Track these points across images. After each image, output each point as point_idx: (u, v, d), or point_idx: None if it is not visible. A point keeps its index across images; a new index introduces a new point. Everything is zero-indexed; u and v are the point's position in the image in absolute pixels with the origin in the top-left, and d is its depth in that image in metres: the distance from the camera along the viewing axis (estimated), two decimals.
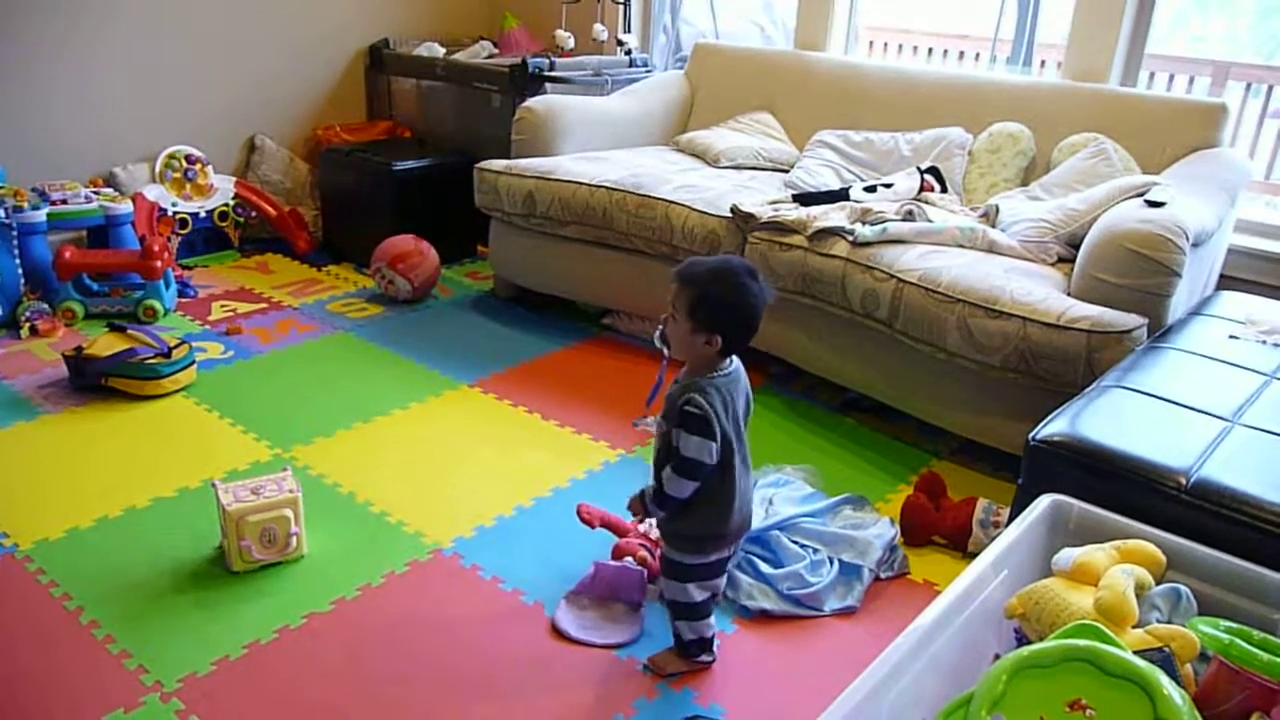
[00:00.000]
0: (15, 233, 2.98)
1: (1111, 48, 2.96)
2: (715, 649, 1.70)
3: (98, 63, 3.43)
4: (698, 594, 1.62)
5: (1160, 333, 2.07)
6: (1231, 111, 2.72)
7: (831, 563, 1.93)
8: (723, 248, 2.71)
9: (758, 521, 2.00)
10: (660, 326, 1.59)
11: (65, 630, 1.72)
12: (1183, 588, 1.27)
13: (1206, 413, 1.67)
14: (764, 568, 1.90)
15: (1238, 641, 1.16)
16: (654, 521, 1.77)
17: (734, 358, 1.58)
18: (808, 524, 2.01)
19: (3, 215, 2.94)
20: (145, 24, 3.51)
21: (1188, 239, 2.09)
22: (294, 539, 1.91)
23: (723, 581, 1.69)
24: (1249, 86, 3.66)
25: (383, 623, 1.78)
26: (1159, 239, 2.07)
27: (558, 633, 1.76)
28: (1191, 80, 3.77)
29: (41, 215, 3.11)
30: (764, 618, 1.84)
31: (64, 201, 3.22)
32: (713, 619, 1.68)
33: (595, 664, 1.70)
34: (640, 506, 1.59)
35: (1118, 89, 2.93)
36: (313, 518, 2.01)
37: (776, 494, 2.12)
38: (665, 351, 1.60)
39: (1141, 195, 2.30)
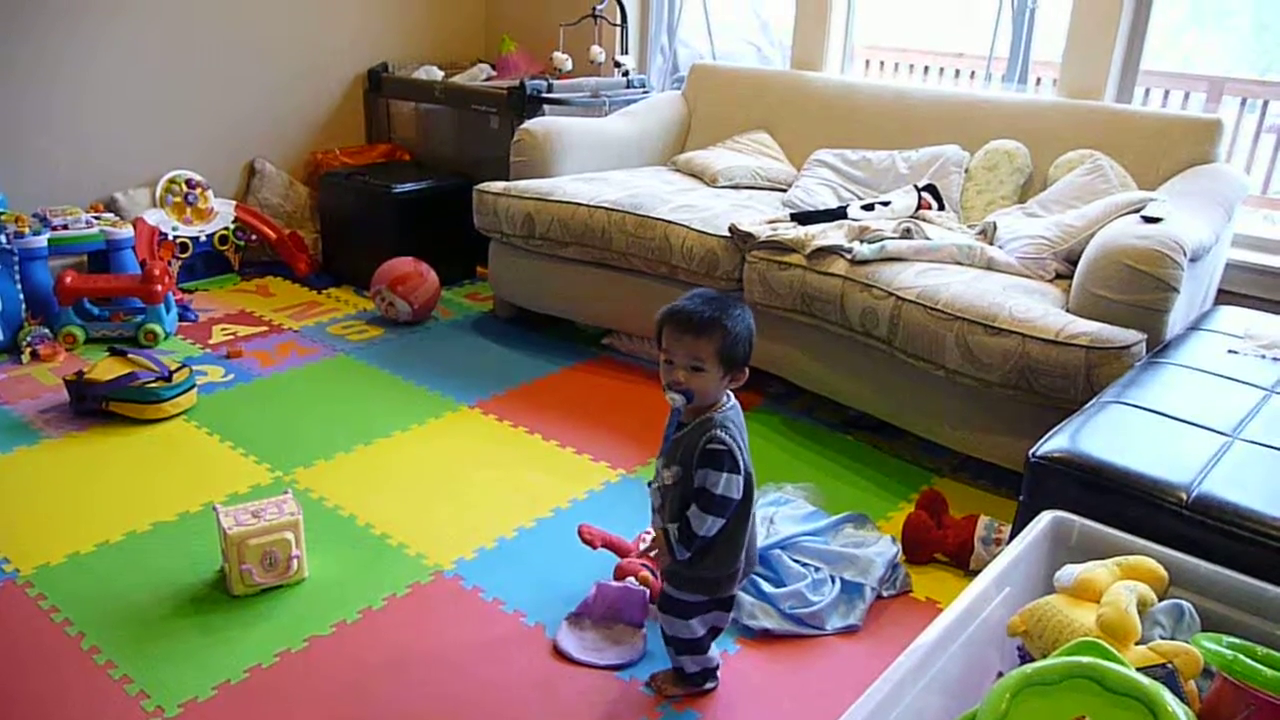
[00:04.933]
0: (16, 258, 2.99)
1: (1106, 64, 2.98)
2: (719, 674, 1.69)
3: (99, 89, 3.46)
4: (700, 629, 1.61)
5: (1159, 348, 2.08)
6: (1227, 126, 2.73)
7: (833, 581, 1.93)
8: (721, 267, 2.71)
9: (759, 540, 2.00)
10: (677, 387, 1.50)
11: (67, 655, 1.71)
12: (1185, 604, 1.27)
13: (1207, 428, 1.67)
14: (766, 587, 1.89)
15: (1241, 657, 1.15)
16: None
17: (729, 391, 1.56)
18: (809, 542, 2.00)
19: (4, 241, 2.95)
20: (145, 51, 3.54)
21: (1185, 254, 2.09)
22: (295, 562, 1.91)
23: (729, 616, 1.66)
24: (1244, 101, 3.68)
25: (384, 646, 1.77)
26: (1156, 255, 2.08)
27: (559, 654, 1.75)
28: (1187, 96, 3.79)
29: (43, 240, 3.12)
30: (766, 637, 1.83)
31: (65, 227, 3.24)
32: (714, 650, 1.67)
33: (598, 686, 1.69)
34: (667, 552, 1.53)
35: (1113, 105, 2.95)
36: (314, 541, 2.00)
37: (778, 513, 2.12)
38: (681, 402, 1.50)
39: (1138, 211, 2.31)
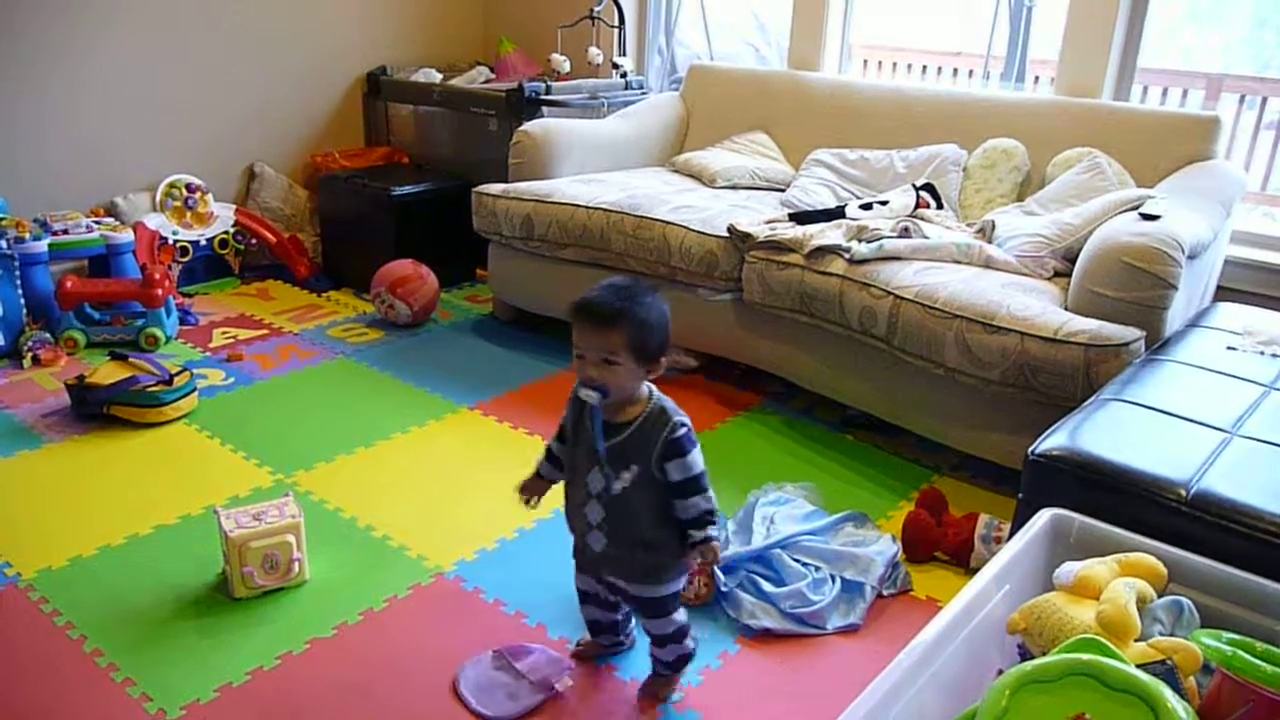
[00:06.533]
0: (17, 263, 2.99)
1: (1104, 62, 2.98)
2: (694, 639, 1.65)
3: (98, 94, 3.46)
4: (681, 616, 1.61)
5: (1158, 345, 2.08)
6: (1225, 124, 2.74)
7: (833, 580, 1.93)
8: (720, 268, 2.72)
9: (759, 540, 2.00)
10: (591, 383, 1.44)
11: (68, 659, 1.72)
12: (1185, 600, 1.27)
13: (1206, 424, 1.67)
14: (766, 586, 1.90)
15: (1240, 653, 1.15)
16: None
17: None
18: (809, 542, 2.00)
19: (5, 246, 2.96)
20: (145, 55, 3.54)
21: (1183, 251, 2.10)
22: (296, 564, 1.91)
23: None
24: (1243, 98, 3.69)
25: (386, 647, 1.77)
26: (1154, 252, 2.08)
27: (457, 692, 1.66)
28: (1185, 93, 3.79)
29: (43, 245, 3.13)
30: (766, 636, 1.83)
31: (65, 231, 3.25)
32: (687, 638, 1.64)
33: (598, 686, 1.69)
34: (712, 548, 1.48)
35: (1111, 103, 2.95)
36: (315, 543, 2.01)
37: (777, 512, 2.12)
38: (596, 399, 1.44)
39: (1136, 209, 2.32)
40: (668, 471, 1.48)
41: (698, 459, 1.49)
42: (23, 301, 3.03)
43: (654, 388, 1.53)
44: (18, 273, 3.00)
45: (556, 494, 2.29)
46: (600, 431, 1.48)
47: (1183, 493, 1.46)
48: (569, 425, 1.58)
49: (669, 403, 1.51)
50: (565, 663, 1.71)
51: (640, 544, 1.53)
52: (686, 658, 1.65)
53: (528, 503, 1.66)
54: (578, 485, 1.56)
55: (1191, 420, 1.69)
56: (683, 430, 1.48)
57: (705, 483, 1.50)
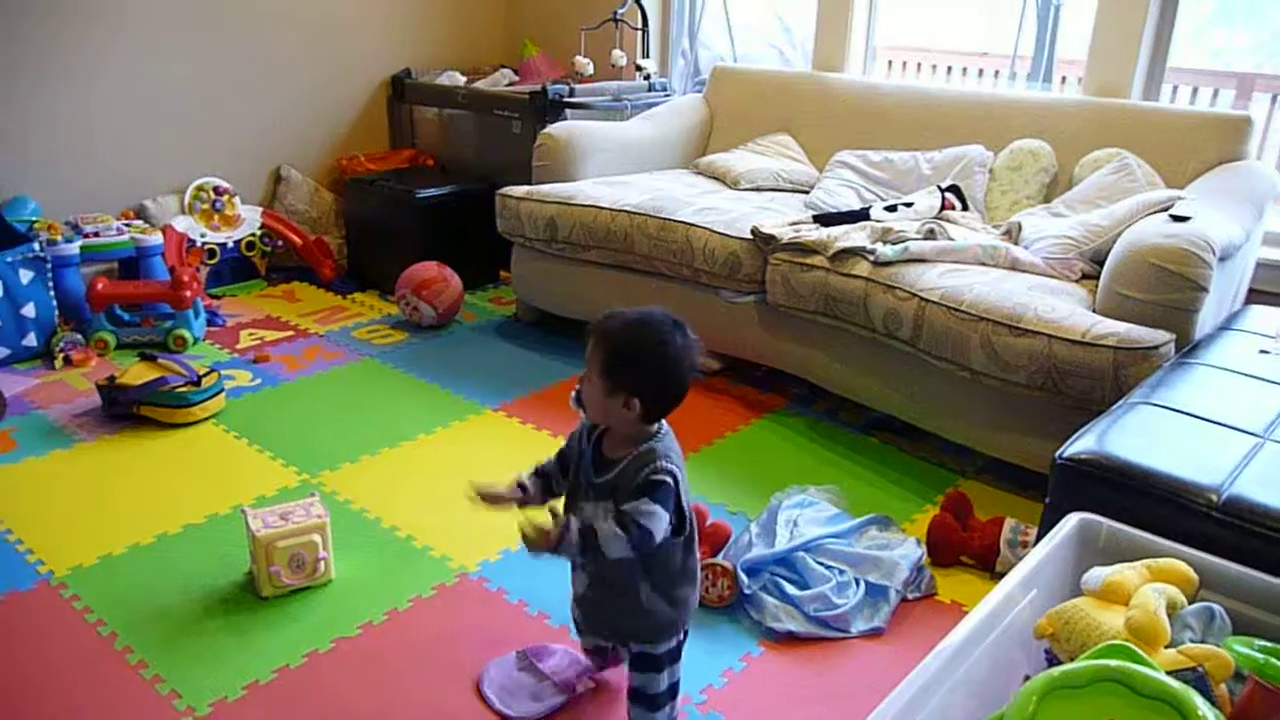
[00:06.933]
0: (49, 265, 3.04)
1: (1133, 62, 2.95)
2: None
3: (128, 99, 3.51)
4: (666, 680, 1.51)
5: (1188, 348, 2.05)
6: (1257, 124, 2.70)
7: (858, 584, 1.92)
8: (744, 270, 2.71)
9: (782, 543, 2.00)
10: (577, 388, 1.42)
11: (99, 656, 1.74)
12: (1216, 606, 1.25)
13: (1237, 429, 1.65)
14: (790, 589, 1.89)
15: (1273, 660, 1.13)
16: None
17: (664, 422, 1.43)
18: (833, 545, 2.00)
19: (37, 248, 3.00)
20: (175, 61, 3.59)
21: (1214, 253, 2.07)
22: (322, 564, 1.92)
23: (680, 664, 1.55)
24: (1275, 98, 3.63)
25: (410, 647, 1.78)
26: (1185, 254, 2.05)
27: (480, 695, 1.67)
28: (1215, 93, 3.74)
29: (74, 248, 3.18)
30: (790, 639, 1.83)
31: (96, 234, 3.29)
32: (677, 699, 1.56)
33: (619, 686, 1.69)
34: (544, 533, 1.33)
35: (1140, 103, 2.92)
36: (340, 543, 2.02)
37: (801, 515, 2.11)
38: (583, 415, 1.43)
39: (1166, 210, 2.29)
40: (628, 507, 1.34)
41: (659, 513, 1.33)
42: (55, 303, 3.08)
43: (664, 440, 1.42)
44: (50, 275, 3.05)
45: None
46: (590, 462, 1.44)
47: (1214, 498, 1.44)
48: (574, 448, 1.51)
49: (666, 450, 1.40)
50: (587, 664, 1.71)
51: (610, 589, 1.46)
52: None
53: (485, 501, 1.53)
54: (574, 512, 1.45)
55: (1223, 424, 1.66)
56: (663, 476, 1.35)
57: (638, 539, 1.32)
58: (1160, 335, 2.03)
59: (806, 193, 3.22)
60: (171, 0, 3.52)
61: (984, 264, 2.46)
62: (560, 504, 1.50)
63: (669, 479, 1.36)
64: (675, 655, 1.52)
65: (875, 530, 2.10)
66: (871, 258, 2.47)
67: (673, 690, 1.54)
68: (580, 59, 3.91)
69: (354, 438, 2.56)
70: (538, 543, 1.34)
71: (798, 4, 4.15)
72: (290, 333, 3.32)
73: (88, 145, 3.46)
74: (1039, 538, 1.46)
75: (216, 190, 3.69)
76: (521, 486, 1.54)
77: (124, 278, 3.37)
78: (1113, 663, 1.02)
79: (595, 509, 1.40)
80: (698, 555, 1.51)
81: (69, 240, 3.17)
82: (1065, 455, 1.59)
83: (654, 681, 1.51)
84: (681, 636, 1.53)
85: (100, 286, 3.10)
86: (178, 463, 2.44)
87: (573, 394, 1.45)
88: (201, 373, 2.65)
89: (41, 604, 1.88)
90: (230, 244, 3.70)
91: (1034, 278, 2.38)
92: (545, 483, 1.54)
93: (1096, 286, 2.26)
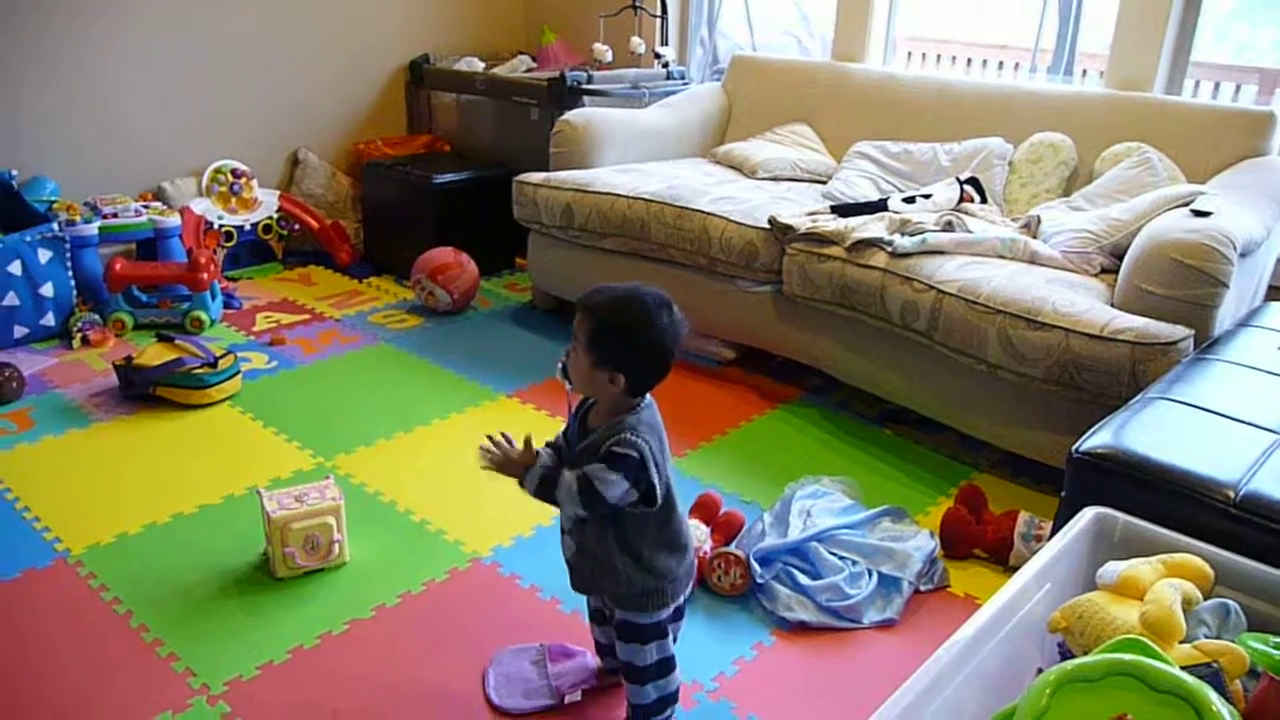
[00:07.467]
0: (68, 245, 3.06)
1: (1155, 56, 2.92)
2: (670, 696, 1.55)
3: (148, 81, 3.52)
4: (655, 653, 1.50)
5: (1207, 344, 2.04)
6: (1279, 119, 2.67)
7: (870, 575, 1.92)
8: (760, 259, 2.71)
9: (795, 533, 2.00)
10: (563, 359, 1.44)
11: (116, 633, 1.76)
12: (1231, 603, 1.25)
13: (1256, 425, 1.64)
14: (802, 579, 1.89)
15: None
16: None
17: (648, 396, 1.44)
18: (846, 536, 2.00)
19: (56, 229, 3.02)
20: (193, 44, 3.60)
21: (1235, 249, 2.05)
22: (336, 546, 1.94)
23: (680, 626, 1.57)
24: None
25: (423, 630, 1.80)
26: (1205, 249, 2.04)
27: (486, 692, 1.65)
28: (1238, 88, 3.70)
29: (93, 229, 3.20)
30: (802, 629, 1.83)
31: (114, 215, 3.31)
32: (676, 671, 1.54)
33: (622, 695, 1.69)
34: (514, 467, 1.43)
35: (1162, 97, 2.90)
36: (355, 525, 2.03)
37: (815, 505, 2.11)
38: (567, 386, 1.44)
39: (1187, 205, 2.27)
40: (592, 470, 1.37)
41: (615, 481, 1.35)
42: (73, 283, 3.10)
43: (647, 413, 1.43)
44: (68, 255, 3.07)
45: None
46: (575, 429, 1.47)
47: (1231, 494, 1.43)
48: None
49: (640, 423, 1.40)
50: (593, 674, 1.68)
51: (591, 556, 1.47)
52: (659, 704, 1.53)
53: (485, 456, 1.52)
54: None
55: (1241, 421, 1.65)
56: (626, 449, 1.36)
57: (586, 498, 1.36)
58: (1179, 331, 2.02)
59: (824, 183, 3.20)
60: None
61: (1002, 257, 2.44)
62: (540, 443, 1.52)
63: (633, 452, 1.36)
64: (662, 630, 1.50)
65: (889, 522, 2.10)
66: (889, 249, 2.46)
67: (661, 667, 1.51)
68: (599, 46, 3.90)
69: (369, 421, 2.58)
70: (497, 459, 1.43)
71: None
72: (306, 316, 3.34)
73: (106, 127, 3.47)
74: (1054, 531, 1.46)
75: (234, 173, 3.71)
76: (536, 454, 1.54)
77: (142, 259, 3.39)
78: (1127, 657, 1.02)
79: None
80: (687, 529, 1.50)
81: (87, 221, 3.19)
82: (1082, 449, 1.59)
83: (640, 653, 1.50)
84: (670, 611, 1.50)
85: (118, 267, 3.11)
86: (194, 444, 2.46)
87: (559, 365, 1.46)
88: (218, 354, 2.67)
89: (58, 581, 1.90)
90: (247, 227, 3.72)
91: (1052, 271, 2.37)
92: (558, 455, 1.55)
93: (1115, 281, 2.25)
